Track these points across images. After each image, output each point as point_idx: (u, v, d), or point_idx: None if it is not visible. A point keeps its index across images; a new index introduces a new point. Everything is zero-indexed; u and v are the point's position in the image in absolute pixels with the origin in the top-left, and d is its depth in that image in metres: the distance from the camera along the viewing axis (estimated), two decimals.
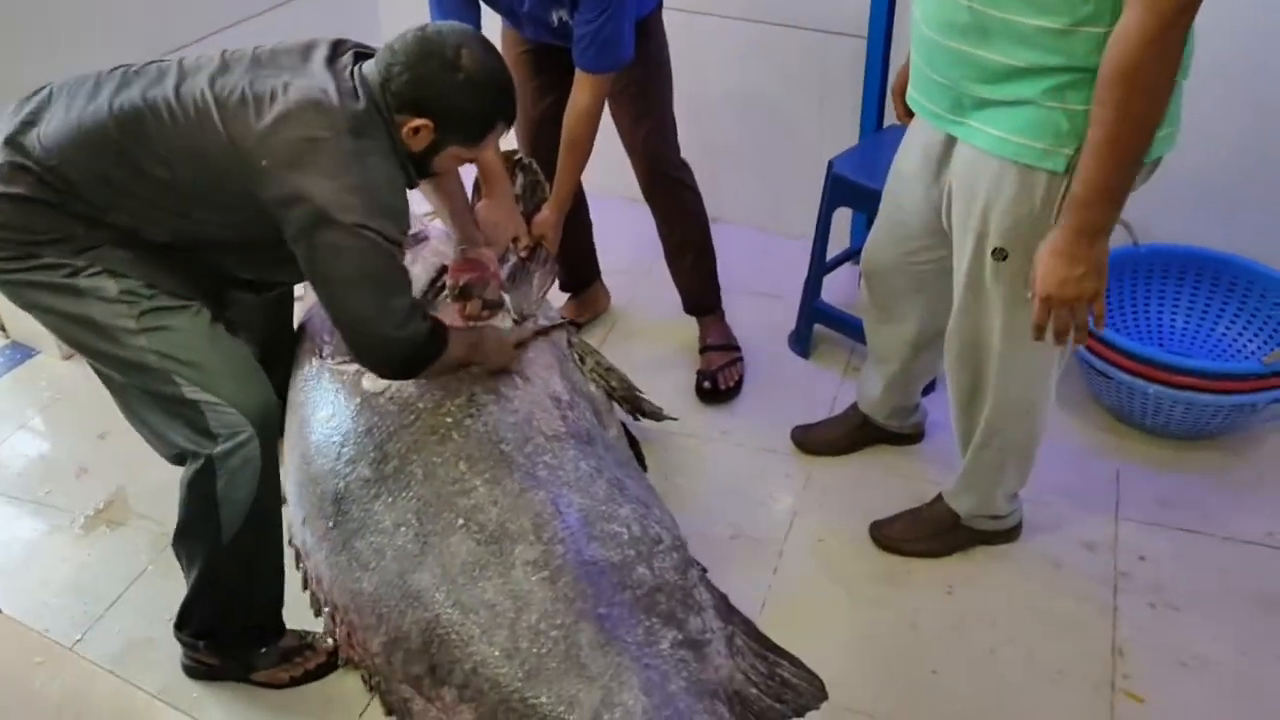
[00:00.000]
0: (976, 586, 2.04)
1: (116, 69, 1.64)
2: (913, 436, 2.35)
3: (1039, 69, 1.46)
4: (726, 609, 1.78)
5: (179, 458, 1.69)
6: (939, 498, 2.09)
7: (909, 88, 1.73)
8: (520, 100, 2.37)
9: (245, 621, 1.86)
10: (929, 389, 2.38)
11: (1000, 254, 1.63)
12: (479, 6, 2.14)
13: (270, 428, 1.68)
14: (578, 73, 2.12)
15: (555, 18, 2.10)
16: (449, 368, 1.84)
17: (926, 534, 2.09)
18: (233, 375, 1.65)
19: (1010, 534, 2.10)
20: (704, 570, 1.83)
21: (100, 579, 2.10)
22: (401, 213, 1.64)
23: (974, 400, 1.89)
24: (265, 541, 1.79)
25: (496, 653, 1.61)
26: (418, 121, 1.61)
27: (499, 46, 2.33)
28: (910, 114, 1.92)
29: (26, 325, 2.68)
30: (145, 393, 1.65)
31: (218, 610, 1.82)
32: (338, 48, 1.67)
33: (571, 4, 2.04)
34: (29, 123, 1.57)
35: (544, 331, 2.10)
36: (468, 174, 2.13)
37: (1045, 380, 1.81)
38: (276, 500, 1.76)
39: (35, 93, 1.63)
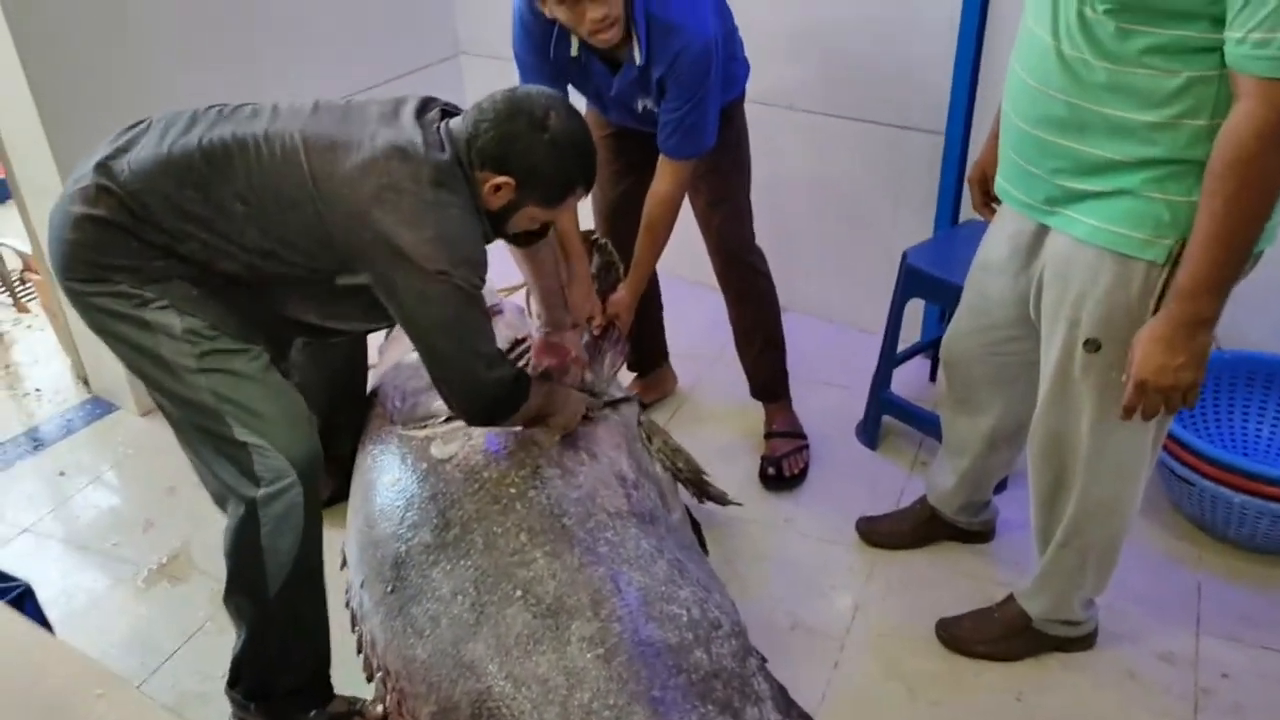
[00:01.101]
0: (1048, 694, 1.95)
1: (213, 107, 1.70)
2: (982, 535, 2.28)
3: (1139, 161, 1.46)
4: (785, 701, 1.73)
5: (223, 501, 1.71)
6: (1010, 598, 2.02)
7: (998, 178, 1.73)
8: (599, 183, 2.43)
9: (293, 682, 1.84)
10: (1001, 487, 2.32)
11: (1093, 345, 1.60)
12: (566, 90, 2.20)
13: (313, 477, 1.69)
14: (661, 158, 2.16)
15: (640, 105, 2.15)
16: (528, 417, 1.85)
17: (996, 635, 2.01)
18: (282, 421, 1.67)
19: (1085, 641, 2.02)
20: (763, 659, 1.78)
21: (159, 632, 2.12)
22: (480, 263, 1.68)
23: (1056, 497, 1.83)
24: (311, 597, 1.79)
25: None
26: (499, 179, 1.65)
27: None
28: (988, 205, 1.93)
29: (108, 380, 2.76)
30: (199, 429, 1.68)
31: (266, 668, 1.82)
32: (427, 104, 1.72)
33: (659, 92, 2.08)
34: (122, 149, 1.63)
35: (613, 404, 2.10)
36: None
37: (1134, 480, 1.75)
38: (319, 555, 1.77)
39: (135, 124, 1.69)
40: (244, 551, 1.69)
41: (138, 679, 2.01)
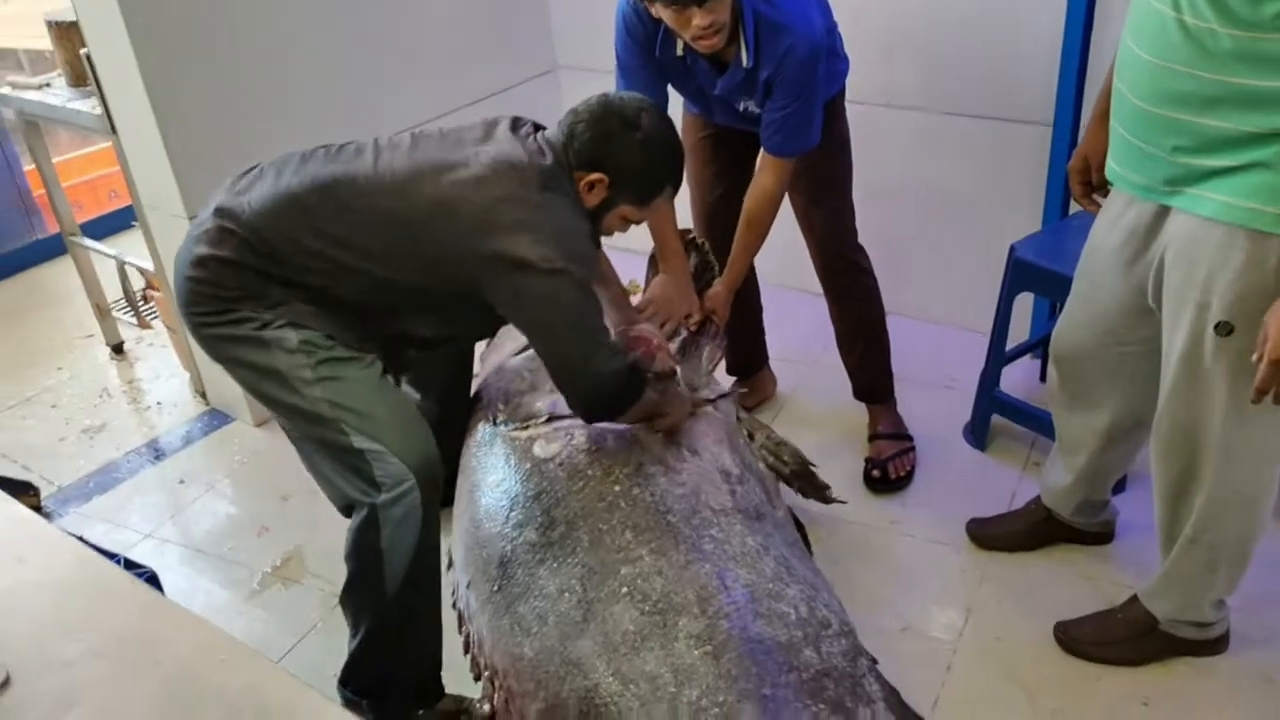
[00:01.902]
0: (1177, 701, 1.86)
1: (320, 147, 1.78)
2: (1101, 536, 2.19)
3: (1270, 133, 1.39)
4: (899, 704, 1.68)
5: (348, 509, 1.76)
6: (1134, 599, 1.93)
7: (1110, 161, 1.67)
8: (699, 184, 2.44)
9: (407, 680, 1.87)
10: (1119, 487, 2.23)
11: (1224, 328, 1.53)
12: (666, 92, 2.20)
13: (431, 480, 1.72)
14: (763, 154, 2.15)
15: (743, 105, 2.15)
16: (644, 411, 1.87)
17: (1119, 638, 1.92)
18: (398, 426, 1.71)
19: (1216, 645, 1.91)
20: (874, 660, 1.73)
21: (271, 633, 2.17)
22: (592, 257, 1.74)
23: (1185, 491, 1.75)
24: (427, 596, 1.82)
25: None
26: (593, 176, 1.72)
27: (681, 131, 2.43)
28: (1089, 195, 1.86)
29: (225, 393, 2.86)
30: (320, 443, 1.73)
31: (381, 666, 1.85)
32: (517, 122, 1.79)
33: (765, 93, 2.08)
34: (240, 193, 1.72)
35: (712, 400, 2.09)
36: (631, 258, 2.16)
37: (1271, 470, 1.67)
38: (437, 554, 1.80)
39: (248, 169, 1.79)
40: (364, 554, 1.73)
41: None
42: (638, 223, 1.87)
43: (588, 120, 1.73)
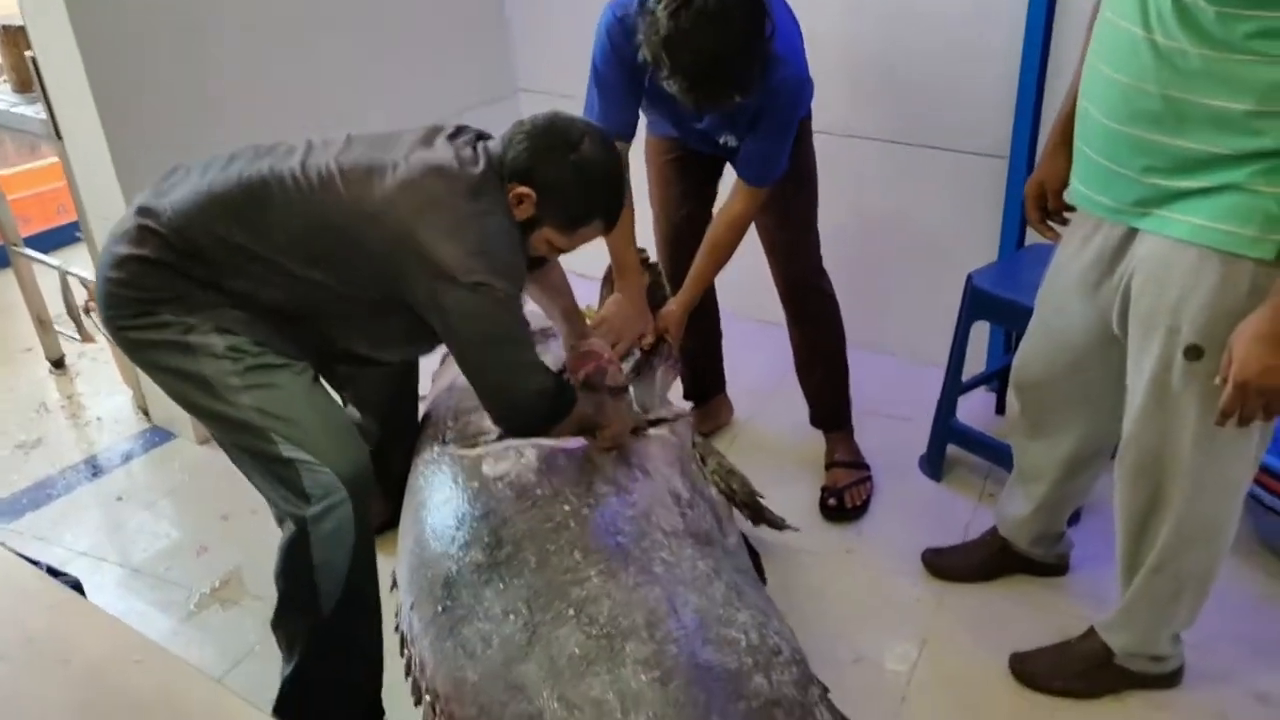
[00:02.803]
0: None
1: (249, 147, 1.72)
2: (1057, 568, 2.17)
3: (1244, 154, 1.38)
4: None
5: (280, 522, 1.69)
6: (1091, 631, 1.91)
7: (1075, 183, 1.66)
8: (662, 204, 2.42)
9: (347, 707, 1.80)
10: (1074, 519, 2.22)
11: (1194, 352, 1.50)
12: (638, 112, 2.16)
13: (363, 491, 1.67)
14: (737, 183, 2.14)
15: (724, 139, 2.14)
16: (577, 425, 1.83)
17: (1074, 672, 1.90)
18: (328, 435, 1.65)
19: (1170, 679, 1.90)
20: (826, 689, 1.69)
21: (207, 656, 2.09)
22: (518, 271, 1.69)
23: (1150, 520, 1.72)
24: (365, 615, 1.75)
25: None
26: (522, 189, 1.67)
27: (645, 154, 2.42)
28: (1045, 222, 1.86)
29: (167, 410, 2.78)
30: (248, 453, 1.66)
31: (320, 694, 1.77)
32: (460, 130, 1.75)
33: (748, 128, 2.06)
34: (162, 193, 1.66)
35: (661, 421, 2.05)
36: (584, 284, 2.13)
37: (1236, 497, 1.66)
38: (373, 571, 1.74)
39: (174, 170, 1.73)
40: (296, 571, 1.66)
41: None
42: (562, 251, 1.80)
43: (528, 132, 1.69)
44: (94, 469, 2.70)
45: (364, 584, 1.71)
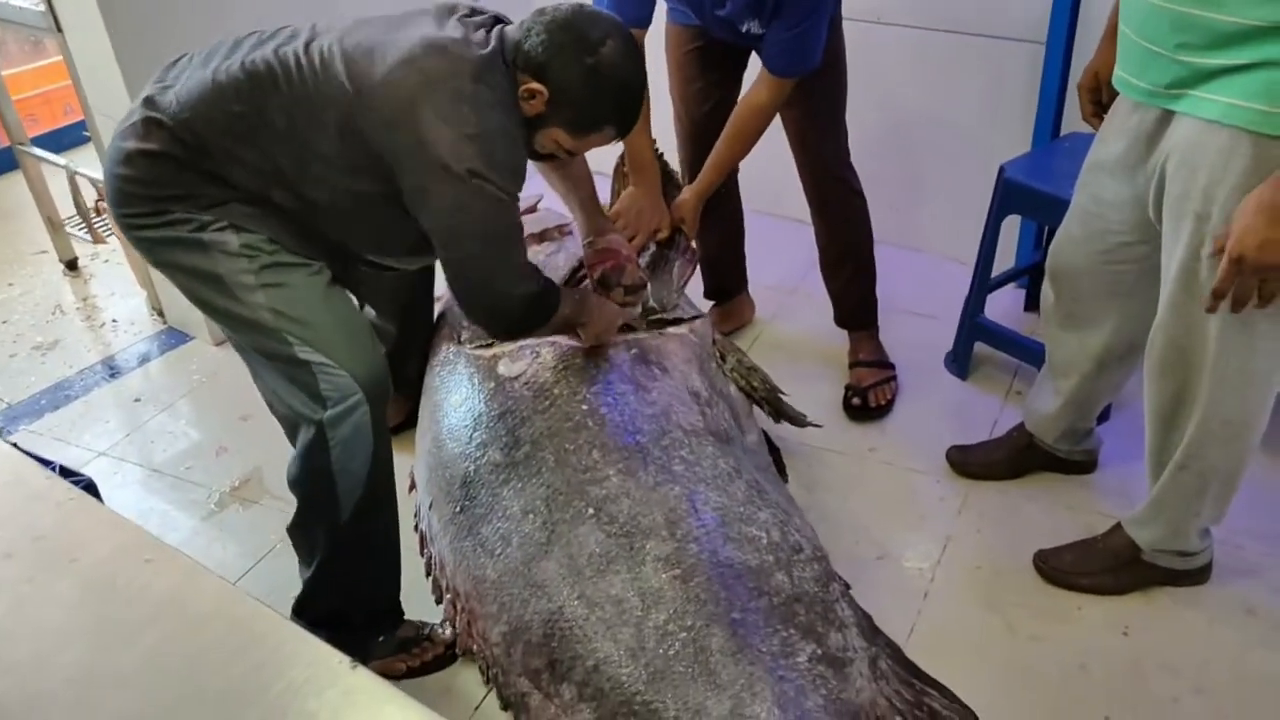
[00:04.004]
0: (1157, 630, 1.82)
1: (253, 33, 1.64)
2: (1084, 465, 2.13)
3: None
4: (871, 629, 1.63)
5: (295, 427, 1.66)
6: (1117, 527, 1.88)
7: (1117, 70, 1.58)
8: (683, 99, 2.33)
9: (366, 608, 1.80)
10: (1104, 416, 2.17)
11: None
12: (654, 1, 2.05)
13: (380, 394, 1.63)
14: (763, 72, 2.05)
15: (746, 26, 2.03)
16: (559, 325, 1.78)
17: (1100, 567, 1.87)
18: (344, 336, 1.60)
19: (1198, 575, 1.87)
20: (847, 586, 1.68)
21: (229, 554, 2.09)
22: (518, 167, 1.59)
23: (1176, 414, 1.68)
24: (384, 521, 1.73)
25: (620, 651, 1.50)
26: (533, 85, 1.56)
27: (665, 43, 2.31)
28: (1098, 114, 1.77)
29: (183, 311, 2.76)
30: (263, 354, 1.62)
31: (338, 596, 1.77)
32: (476, 11, 1.64)
33: (773, 13, 1.96)
34: (168, 85, 1.58)
35: (678, 321, 2.01)
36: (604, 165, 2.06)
37: (1264, 394, 1.60)
38: (390, 474, 1.71)
39: (177, 59, 1.64)
40: (315, 476, 1.64)
41: None
42: (571, 153, 1.71)
43: (546, 25, 1.56)
44: (111, 370, 2.69)
45: (382, 488, 1.69)
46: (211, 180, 1.56)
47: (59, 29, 2.45)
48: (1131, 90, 1.55)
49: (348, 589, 1.77)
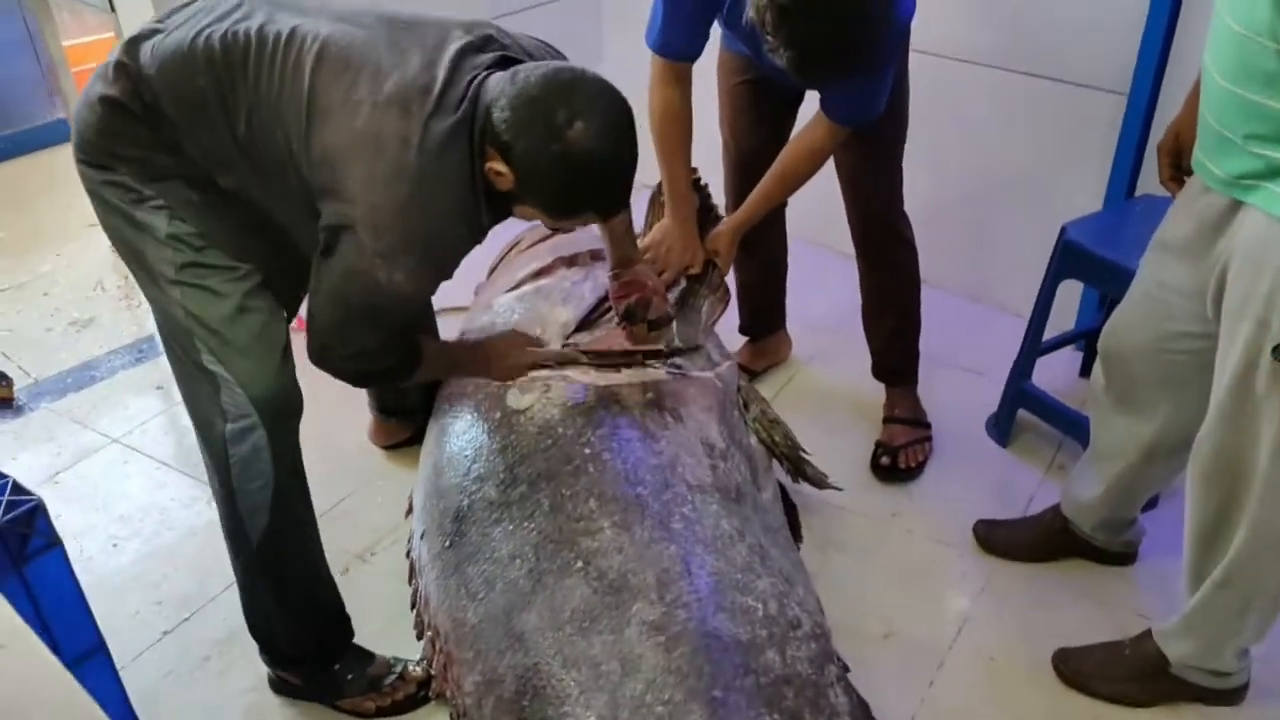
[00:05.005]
0: None
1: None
2: (1122, 557, 1.99)
3: None
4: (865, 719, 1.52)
5: (200, 433, 1.59)
6: (1147, 633, 1.74)
7: (1195, 148, 1.46)
8: (733, 131, 2.23)
9: (292, 648, 1.74)
10: (1151, 504, 2.02)
11: None
12: (707, 31, 1.95)
13: (278, 416, 1.55)
14: (820, 113, 1.93)
15: None
16: (445, 374, 1.85)
17: (1125, 675, 1.74)
18: (249, 353, 1.52)
19: (1232, 696, 1.73)
20: (845, 669, 1.57)
21: (222, 561, 2.04)
22: (442, 262, 1.49)
23: (1220, 528, 1.55)
24: (298, 556, 1.67)
25: (592, 718, 1.41)
26: (501, 166, 1.42)
27: (716, 73, 2.21)
28: (1177, 179, 1.64)
29: None
30: (174, 351, 1.56)
31: (264, 627, 1.72)
32: (487, 43, 1.49)
33: None
34: (159, 30, 1.49)
35: (680, 352, 1.93)
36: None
37: None
38: (304, 509, 1.65)
39: (182, 6, 1.53)
40: (219, 489, 1.59)
41: (192, 607, 1.96)
42: (555, 230, 1.60)
43: (512, 99, 1.38)
44: (139, 354, 2.68)
45: (293, 520, 1.62)
46: (163, 147, 1.47)
47: (112, 8, 2.45)
48: (1204, 174, 1.43)
49: (271, 621, 1.71)
